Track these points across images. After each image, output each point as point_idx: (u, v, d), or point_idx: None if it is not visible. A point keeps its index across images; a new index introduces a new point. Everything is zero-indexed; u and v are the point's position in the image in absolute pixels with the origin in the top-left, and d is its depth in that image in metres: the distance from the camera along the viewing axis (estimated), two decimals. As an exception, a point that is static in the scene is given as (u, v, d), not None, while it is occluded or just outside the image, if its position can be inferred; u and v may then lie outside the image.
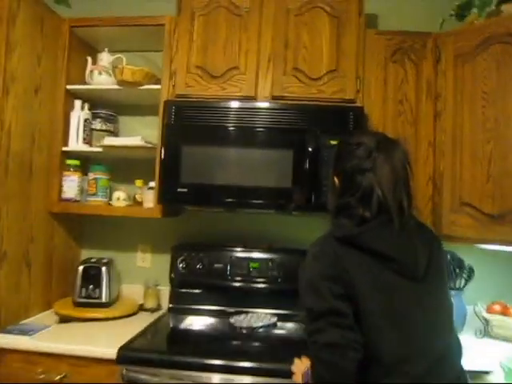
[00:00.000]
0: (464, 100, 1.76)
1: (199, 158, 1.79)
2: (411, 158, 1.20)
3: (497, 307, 1.95)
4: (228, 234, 2.20)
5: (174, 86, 1.88)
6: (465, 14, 1.97)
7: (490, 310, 1.96)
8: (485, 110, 1.70)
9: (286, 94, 1.84)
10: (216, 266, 2.09)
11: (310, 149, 1.74)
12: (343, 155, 1.27)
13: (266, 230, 2.20)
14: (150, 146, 1.98)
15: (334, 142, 1.73)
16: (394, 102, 1.84)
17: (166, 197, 1.81)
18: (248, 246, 2.12)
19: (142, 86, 1.97)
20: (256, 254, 2.11)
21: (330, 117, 1.77)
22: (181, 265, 2.10)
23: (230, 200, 1.78)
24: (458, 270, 1.96)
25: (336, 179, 1.28)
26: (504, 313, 1.93)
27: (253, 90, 1.85)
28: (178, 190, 1.78)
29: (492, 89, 1.69)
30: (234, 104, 1.80)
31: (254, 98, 1.85)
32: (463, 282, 1.97)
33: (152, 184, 1.96)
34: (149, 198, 1.96)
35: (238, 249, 2.12)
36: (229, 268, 2.08)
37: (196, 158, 1.79)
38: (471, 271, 1.97)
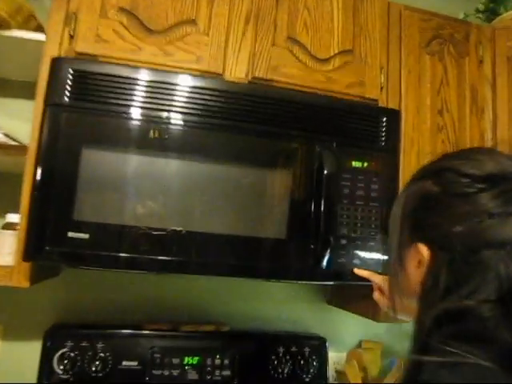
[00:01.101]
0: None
1: (113, 176, 0.92)
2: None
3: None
4: (148, 305, 1.31)
5: (72, 36, 1.00)
6: (498, 11, 1.48)
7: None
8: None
9: (275, 77, 1.09)
10: (125, 364, 1.19)
11: (323, 172, 1.00)
12: (445, 203, 0.61)
13: (212, 299, 1.38)
14: (14, 144, 1.05)
15: (357, 165, 1.02)
16: (432, 111, 1.22)
17: (41, 249, 0.88)
18: (181, 328, 1.27)
19: (9, 28, 1.04)
20: (195, 343, 1.26)
21: (349, 121, 1.07)
22: (60, 363, 1.15)
23: (166, 259, 0.93)
24: None
25: (425, 253, 0.62)
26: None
27: (219, 64, 1.06)
28: (69, 234, 0.88)
29: None
30: (185, 81, 0.99)
31: (220, 76, 1.06)
32: None
33: (13, 218, 1.01)
34: (4, 247, 1.00)
35: (165, 333, 1.25)
36: (147, 367, 1.20)
37: (107, 175, 0.92)
38: None
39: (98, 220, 0.90)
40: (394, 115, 1.11)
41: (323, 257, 0.97)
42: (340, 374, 1.38)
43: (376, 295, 0.93)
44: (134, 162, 0.93)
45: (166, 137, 0.95)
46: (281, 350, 1.31)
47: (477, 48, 1.29)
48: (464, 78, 1.26)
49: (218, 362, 1.26)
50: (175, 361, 1.22)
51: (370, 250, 1.03)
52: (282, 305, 1.42)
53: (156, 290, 1.32)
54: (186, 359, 1.24)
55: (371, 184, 1.05)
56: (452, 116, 1.23)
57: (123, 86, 0.95)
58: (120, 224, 0.91)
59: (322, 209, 0.97)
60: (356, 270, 0.99)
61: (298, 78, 1.10)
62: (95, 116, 0.93)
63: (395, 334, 1.50)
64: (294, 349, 1.33)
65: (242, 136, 1.00)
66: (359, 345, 1.47)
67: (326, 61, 1.14)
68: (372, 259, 1.03)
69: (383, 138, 1.08)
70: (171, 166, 0.95)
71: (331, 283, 1.01)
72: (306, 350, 1.34)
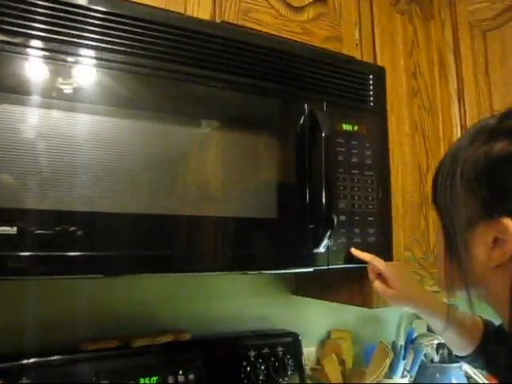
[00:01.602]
0: (493, 88, 1.18)
1: (23, 139, 0.64)
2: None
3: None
4: (85, 320, 1.02)
5: None
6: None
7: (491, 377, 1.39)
8: (526, 101, 1.15)
9: (246, 23, 0.89)
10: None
11: (316, 136, 0.83)
12: None
13: (164, 304, 1.13)
14: None
15: (348, 128, 0.88)
16: (406, 74, 1.12)
17: None
18: (133, 344, 1.01)
19: None
20: (151, 359, 1.01)
21: (336, 77, 0.91)
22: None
23: (137, 255, 0.69)
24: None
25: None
26: None
27: (180, 1, 0.83)
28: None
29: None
30: (125, 10, 0.73)
31: (180, 15, 0.82)
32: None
33: None
34: None
35: (112, 352, 0.98)
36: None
37: (14, 138, 0.64)
38: None
39: (24, 206, 0.62)
40: (380, 73, 0.98)
41: (323, 237, 0.80)
42: (315, 371, 1.23)
43: (377, 284, 0.81)
44: (60, 117, 0.66)
45: (119, 86, 0.69)
46: (252, 353, 1.12)
47: (439, 12, 1.23)
48: (431, 41, 1.19)
49: (181, 378, 1.02)
50: (127, 385, 0.96)
51: (370, 226, 0.89)
52: (243, 301, 1.23)
53: (92, 300, 1.03)
54: (143, 381, 0.98)
55: (365, 150, 0.91)
56: (425, 80, 1.15)
57: (43, 11, 0.66)
58: (48, 210, 0.63)
59: (319, 180, 0.81)
60: (355, 251, 0.85)
61: (272, 27, 0.92)
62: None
63: (361, 319, 1.41)
64: (266, 350, 1.14)
65: (206, 88, 0.77)
66: (328, 335, 1.34)
67: (301, 9, 0.97)
68: (372, 238, 0.89)
69: (371, 98, 0.94)
70: (129, 128, 0.70)
71: (335, 267, 0.84)
72: (279, 349, 1.16)
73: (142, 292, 1.10)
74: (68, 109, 0.65)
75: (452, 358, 1.30)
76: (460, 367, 1.30)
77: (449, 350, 1.30)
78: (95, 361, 0.95)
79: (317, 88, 0.87)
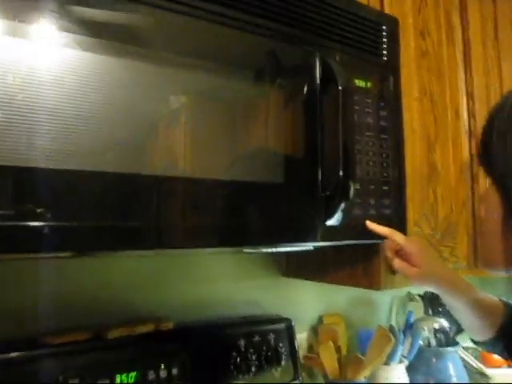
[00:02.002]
0: (502, 55, 1.10)
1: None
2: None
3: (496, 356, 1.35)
4: (49, 308, 0.86)
5: None
6: None
7: (486, 361, 1.35)
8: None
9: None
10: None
11: (329, 90, 0.70)
12: None
13: (143, 288, 0.99)
14: None
15: (361, 84, 0.76)
16: (415, 32, 1.01)
17: None
18: (107, 335, 0.87)
19: None
20: (128, 352, 0.87)
21: (348, 24, 0.78)
22: None
23: (122, 226, 0.55)
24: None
25: None
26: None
27: None
28: None
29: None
30: None
31: None
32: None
33: None
34: None
35: (82, 346, 0.84)
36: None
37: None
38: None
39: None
40: (393, 24, 0.86)
41: (338, 208, 0.69)
42: (308, 360, 1.13)
43: (398, 262, 0.71)
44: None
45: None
46: (242, 342, 1.00)
47: (446, -32, 1.13)
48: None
49: (163, 373, 0.89)
50: (103, 382, 0.83)
51: (385, 197, 0.78)
52: (231, 284, 1.11)
53: (57, 285, 0.88)
54: (119, 378, 0.84)
55: (379, 110, 0.79)
56: (433, 41, 1.05)
57: None
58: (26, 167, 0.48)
59: (335, 141, 0.69)
60: (371, 225, 0.74)
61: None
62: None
63: (352, 302, 1.32)
64: (257, 338, 1.03)
65: (196, 22, 0.63)
66: (320, 320, 1.25)
67: None
68: (387, 210, 0.78)
69: (384, 52, 0.83)
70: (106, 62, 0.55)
71: (350, 242, 0.73)
72: (271, 337, 1.05)
73: (116, 274, 0.96)
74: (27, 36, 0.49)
75: (449, 342, 1.23)
76: (456, 351, 1.23)
77: (445, 333, 1.23)
78: (62, 356, 0.80)
79: (329, 35, 0.74)
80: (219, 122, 0.63)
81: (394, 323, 1.34)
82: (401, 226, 0.81)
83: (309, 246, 0.72)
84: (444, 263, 0.82)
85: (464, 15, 1.12)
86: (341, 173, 0.67)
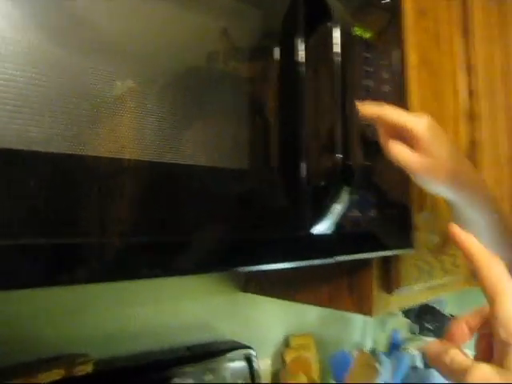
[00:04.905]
0: (508, 20, 0.92)
1: None
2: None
3: None
4: None
5: None
6: None
7: None
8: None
9: None
10: None
11: (332, 29, 0.46)
12: None
13: (50, 314, 0.71)
14: None
15: (359, 33, 0.53)
16: (412, -16, 0.80)
17: None
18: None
19: None
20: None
21: None
22: None
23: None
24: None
25: None
26: None
27: None
28: None
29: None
30: None
31: None
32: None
33: None
34: None
35: None
36: None
37: None
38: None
39: None
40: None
41: (331, 206, 0.45)
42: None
43: (398, 148, 0.49)
44: None
45: None
46: (189, 382, 0.76)
47: None
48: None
49: None
50: None
51: (388, 192, 0.56)
52: (175, 305, 0.86)
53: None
54: None
55: (381, 70, 0.57)
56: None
57: None
58: None
59: (333, 106, 0.45)
60: (362, 107, 0.50)
61: None
62: None
63: (322, 319, 1.11)
64: (208, 377, 0.79)
65: None
66: (287, 343, 1.02)
67: None
68: (392, 210, 0.56)
69: (386, -4, 0.60)
70: None
71: (345, 259, 0.50)
72: (227, 372, 0.81)
73: (16, 300, 0.68)
74: None
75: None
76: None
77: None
78: None
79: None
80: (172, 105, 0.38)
81: (370, 342, 1.14)
82: (405, 233, 0.59)
83: (284, 266, 0.48)
84: (463, 155, 0.56)
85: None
86: (338, 152, 0.43)
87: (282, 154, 0.45)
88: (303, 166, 0.45)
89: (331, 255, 0.48)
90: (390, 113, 0.49)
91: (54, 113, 0.32)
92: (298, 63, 0.47)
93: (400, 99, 0.62)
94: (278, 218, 0.45)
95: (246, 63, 0.44)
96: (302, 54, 0.47)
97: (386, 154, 0.50)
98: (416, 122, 0.48)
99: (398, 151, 0.49)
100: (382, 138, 0.51)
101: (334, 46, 0.45)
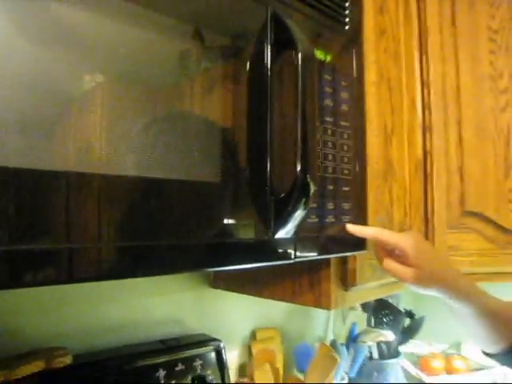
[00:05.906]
0: (459, 42, 1.00)
1: None
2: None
3: (436, 364, 1.29)
4: None
5: None
6: None
7: (426, 369, 1.28)
8: (494, 59, 0.99)
9: None
10: None
11: (294, 54, 0.52)
12: None
13: (26, 309, 0.75)
14: None
15: (321, 56, 0.60)
16: (374, 7, 0.87)
17: None
18: None
19: None
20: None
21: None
22: None
23: None
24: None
25: None
26: (448, 370, 1.29)
27: None
28: None
29: (503, 22, 1.00)
30: None
31: None
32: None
33: None
34: None
35: None
36: None
37: None
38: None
39: None
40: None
41: (293, 214, 0.51)
42: (240, 384, 0.97)
43: (392, 264, 0.58)
44: None
45: None
46: (161, 374, 0.81)
47: None
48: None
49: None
50: None
51: (345, 200, 0.63)
52: (147, 300, 0.91)
53: None
54: None
55: (340, 91, 0.63)
56: (391, 18, 0.91)
57: None
58: None
59: (292, 126, 0.51)
60: (351, 227, 0.61)
61: None
62: None
63: (287, 313, 1.18)
64: (179, 367, 0.84)
65: None
66: (253, 336, 1.08)
67: None
68: (347, 217, 0.63)
69: (346, 20, 0.67)
70: None
71: (304, 259, 0.56)
72: (198, 363, 0.87)
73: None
74: None
75: (392, 353, 1.14)
76: (398, 362, 1.14)
77: (389, 344, 1.13)
78: None
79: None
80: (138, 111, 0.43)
81: (331, 334, 1.22)
82: (361, 238, 0.66)
83: (251, 266, 0.54)
84: (449, 261, 0.69)
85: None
86: (298, 167, 0.49)
87: (250, 169, 0.50)
88: (267, 179, 0.51)
89: (291, 257, 0.55)
90: (381, 233, 0.61)
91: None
92: (266, 77, 0.53)
93: (359, 115, 0.68)
94: (245, 225, 0.51)
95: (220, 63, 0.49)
96: (268, 75, 0.53)
97: (382, 268, 0.61)
98: (404, 240, 0.60)
99: (392, 267, 0.60)
100: (378, 254, 0.63)
101: (296, 72, 0.50)
